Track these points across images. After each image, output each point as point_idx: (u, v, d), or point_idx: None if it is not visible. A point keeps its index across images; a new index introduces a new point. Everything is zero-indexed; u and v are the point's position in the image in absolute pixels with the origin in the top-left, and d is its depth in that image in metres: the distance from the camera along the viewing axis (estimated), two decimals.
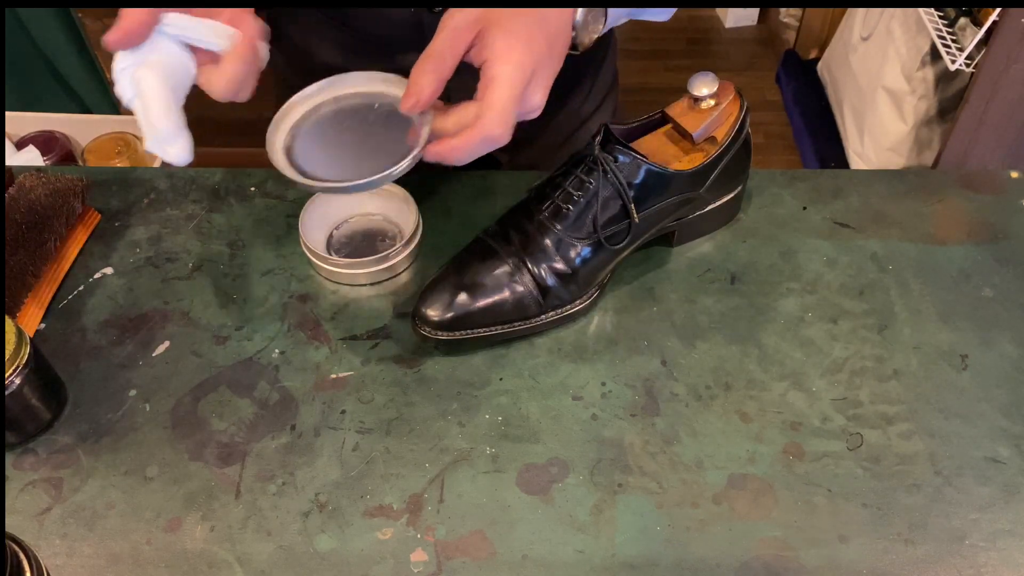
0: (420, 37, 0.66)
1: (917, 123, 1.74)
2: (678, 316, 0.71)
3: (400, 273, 0.74)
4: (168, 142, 0.56)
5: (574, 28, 0.60)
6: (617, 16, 0.66)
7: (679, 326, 0.70)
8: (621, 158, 0.65)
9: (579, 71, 0.69)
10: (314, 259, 0.73)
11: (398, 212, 0.78)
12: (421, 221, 0.75)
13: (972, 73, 1.49)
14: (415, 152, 0.57)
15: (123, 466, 0.62)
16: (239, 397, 0.66)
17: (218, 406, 0.66)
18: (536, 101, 0.57)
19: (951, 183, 0.81)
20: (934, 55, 1.65)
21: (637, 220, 0.67)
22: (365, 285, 0.73)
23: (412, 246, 0.74)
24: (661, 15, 0.71)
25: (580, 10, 0.59)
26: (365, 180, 0.57)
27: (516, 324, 0.67)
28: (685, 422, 0.64)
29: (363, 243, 0.77)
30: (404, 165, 0.57)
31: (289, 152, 0.62)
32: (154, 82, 0.56)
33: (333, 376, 0.67)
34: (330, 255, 0.75)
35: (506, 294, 0.66)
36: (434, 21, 0.70)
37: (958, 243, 0.76)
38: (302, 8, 0.79)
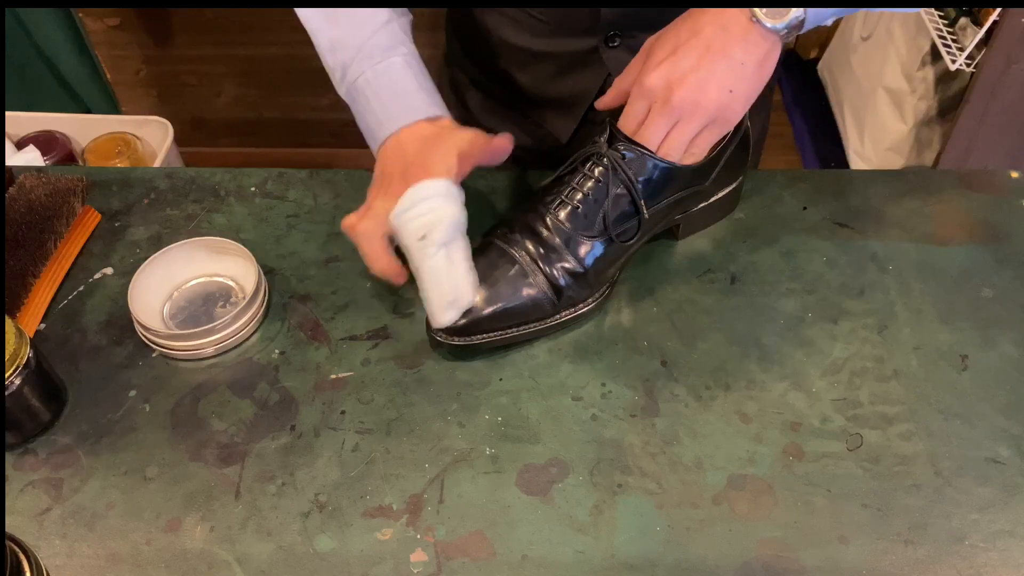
0: (596, 24, 0.77)
1: (917, 123, 1.73)
2: (678, 316, 0.71)
3: (251, 337, 0.70)
4: (459, 306, 0.64)
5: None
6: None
7: (679, 326, 0.70)
8: (628, 154, 0.65)
9: None
10: (148, 334, 0.68)
11: (241, 271, 0.73)
12: (264, 279, 0.71)
13: (972, 73, 1.49)
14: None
15: (123, 466, 0.62)
16: (239, 397, 0.66)
17: (218, 406, 0.66)
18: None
19: (951, 183, 0.81)
20: (934, 55, 1.65)
21: (647, 215, 0.67)
22: (213, 357, 0.69)
23: (255, 306, 0.69)
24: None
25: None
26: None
27: (531, 325, 0.67)
28: (685, 422, 0.64)
29: (201, 308, 0.72)
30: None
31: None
32: (459, 258, 0.64)
33: (333, 376, 0.67)
34: (166, 326, 0.70)
35: (521, 296, 0.66)
36: (611, 11, 0.77)
37: (958, 243, 0.76)
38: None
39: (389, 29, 0.70)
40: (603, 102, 0.67)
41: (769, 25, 0.59)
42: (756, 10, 0.59)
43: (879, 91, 1.79)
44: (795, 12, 0.59)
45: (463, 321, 0.65)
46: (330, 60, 0.71)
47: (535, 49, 0.82)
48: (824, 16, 0.63)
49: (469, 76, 0.91)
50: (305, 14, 0.71)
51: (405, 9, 0.73)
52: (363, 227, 0.65)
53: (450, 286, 0.63)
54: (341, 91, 0.71)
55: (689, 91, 0.60)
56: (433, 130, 0.67)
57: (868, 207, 0.79)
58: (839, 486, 0.60)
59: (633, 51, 0.70)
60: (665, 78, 0.61)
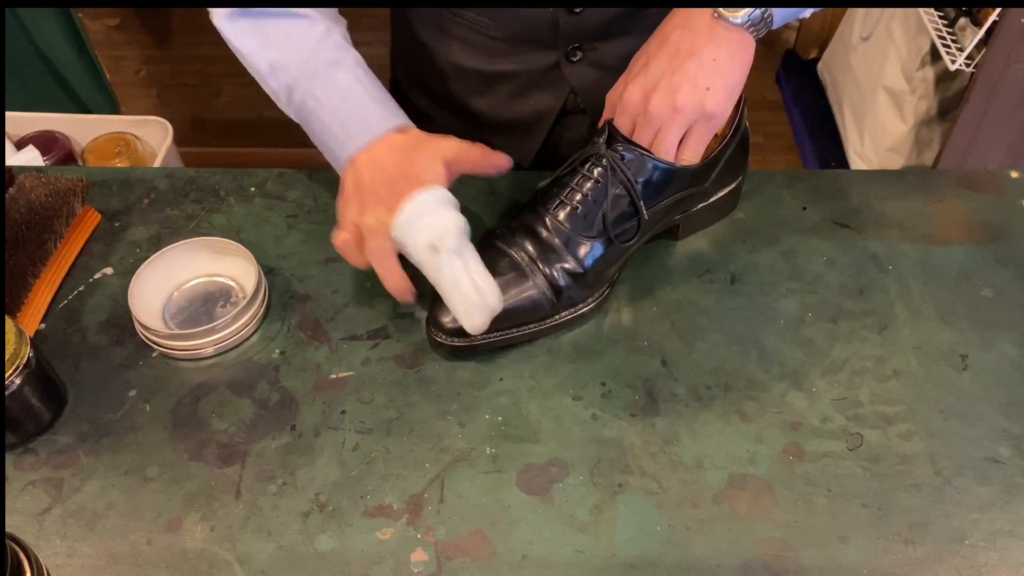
0: (555, 36, 0.73)
1: (917, 123, 1.73)
2: (678, 316, 0.71)
3: (251, 337, 0.70)
4: (488, 309, 0.62)
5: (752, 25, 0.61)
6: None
7: (679, 326, 0.70)
8: (627, 155, 0.65)
9: None
10: (148, 334, 0.68)
11: (241, 271, 0.73)
12: (264, 279, 0.71)
13: (972, 73, 1.49)
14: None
15: (123, 466, 0.62)
16: (239, 397, 0.66)
17: (218, 406, 0.66)
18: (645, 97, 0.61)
19: (951, 183, 0.81)
20: (934, 55, 1.65)
21: (647, 216, 0.67)
22: (213, 356, 0.69)
23: (255, 306, 0.69)
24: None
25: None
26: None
27: (531, 326, 0.67)
28: (685, 422, 0.64)
29: (201, 308, 0.71)
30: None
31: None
32: (475, 264, 0.62)
33: (333, 376, 0.67)
34: (167, 326, 0.70)
35: (520, 297, 0.66)
36: (570, 21, 0.74)
37: (958, 243, 0.76)
38: (436, 9, 0.78)
39: (330, 41, 0.67)
40: (602, 122, 0.67)
41: (731, 19, 0.60)
42: (719, 7, 0.59)
43: (879, 91, 1.79)
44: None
45: None
46: (272, 83, 0.68)
47: (491, 70, 0.79)
48: (790, 12, 0.63)
49: (418, 107, 0.87)
50: (235, 37, 0.68)
51: (337, 14, 0.70)
52: (375, 245, 0.63)
53: (473, 290, 0.62)
54: (289, 113, 0.69)
55: (663, 97, 0.60)
56: (408, 140, 0.65)
57: (868, 207, 0.79)
58: (839, 486, 0.60)
59: (597, 64, 0.68)
60: (641, 89, 0.61)
